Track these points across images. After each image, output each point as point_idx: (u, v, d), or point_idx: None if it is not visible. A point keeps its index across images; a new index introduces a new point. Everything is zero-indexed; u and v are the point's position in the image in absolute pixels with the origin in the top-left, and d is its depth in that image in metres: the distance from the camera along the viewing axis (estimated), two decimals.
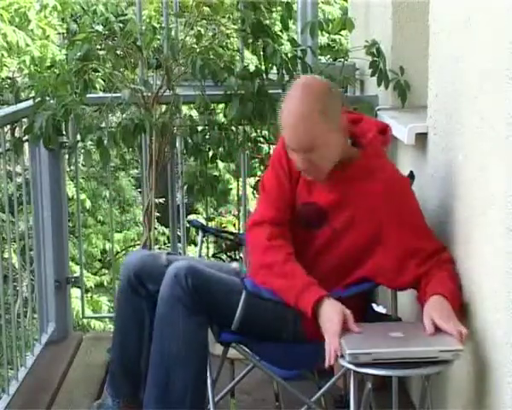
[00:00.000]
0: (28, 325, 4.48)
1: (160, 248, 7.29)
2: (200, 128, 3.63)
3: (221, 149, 3.63)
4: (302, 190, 2.63)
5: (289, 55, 3.57)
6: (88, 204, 8.20)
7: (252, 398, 3.30)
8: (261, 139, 3.67)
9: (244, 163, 3.86)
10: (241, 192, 4.06)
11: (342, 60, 3.66)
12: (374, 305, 2.78)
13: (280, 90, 3.43)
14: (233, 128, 3.63)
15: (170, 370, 2.52)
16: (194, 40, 3.61)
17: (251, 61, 4.55)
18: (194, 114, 4.05)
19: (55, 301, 3.92)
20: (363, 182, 2.55)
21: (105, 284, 8.46)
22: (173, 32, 3.63)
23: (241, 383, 2.96)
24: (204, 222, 3.84)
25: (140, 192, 8.35)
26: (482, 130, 2.27)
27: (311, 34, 3.58)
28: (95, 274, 8.65)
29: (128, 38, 3.47)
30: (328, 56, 3.82)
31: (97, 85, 4.41)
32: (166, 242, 7.98)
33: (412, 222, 2.56)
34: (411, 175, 2.77)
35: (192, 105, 3.88)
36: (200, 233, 3.08)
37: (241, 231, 3.99)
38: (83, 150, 3.85)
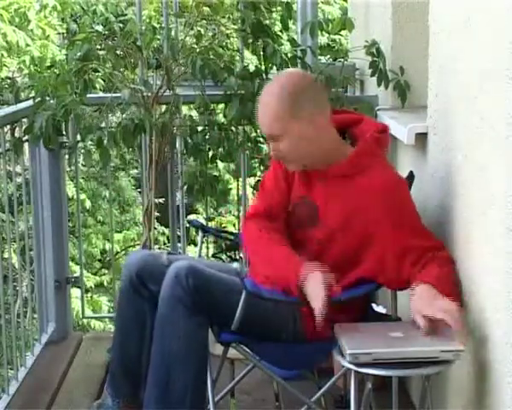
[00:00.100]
0: (28, 325, 4.47)
1: (159, 249, 7.29)
2: (200, 128, 3.63)
3: (221, 149, 3.63)
4: (298, 186, 2.65)
5: (289, 55, 3.57)
6: (88, 204, 8.21)
7: (252, 398, 3.30)
8: (261, 139, 3.67)
9: (244, 163, 3.85)
10: (241, 192, 4.06)
11: (342, 60, 3.66)
12: (374, 305, 2.78)
13: None
14: (233, 128, 3.63)
15: (170, 370, 2.52)
16: (194, 40, 3.61)
17: (251, 61, 4.55)
18: (194, 114, 4.05)
19: (54, 301, 3.92)
20: (355, 180, 2.55)
21: (105, 284, 8.46)
22: (173, 32, 3.63)
23: (241, 383, 2.96)
24: (204, 222, 3.84)
25: (140, 192, 8.36)
26: (482, 130, 2.27)
27: (310, 34, 3.58)
28: (95, 274, 8.65)
29: (128, 38, 3.46)
30: (328, 56, 3.81)
31: (97, 85, 4.42)
32: (166, 242, 7.98)
33: (408, 222, 2.55)
34: (411, 175, 2.77)
35: (192, 105, 3.88)
36: (200, 233, 3.08)
37: (241, 232, 3.99)
38: (83, 150, 3.86)
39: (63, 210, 3.91)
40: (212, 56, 3.50)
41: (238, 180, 4.09)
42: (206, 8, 3.75)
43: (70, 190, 6.42)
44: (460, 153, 2.49)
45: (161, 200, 5.30)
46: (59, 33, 8.39)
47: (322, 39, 8.51)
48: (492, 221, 2.19)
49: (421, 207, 2.82)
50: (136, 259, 2.76)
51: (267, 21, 3.65)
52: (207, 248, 3.98)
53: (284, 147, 2.55)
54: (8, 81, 7.73)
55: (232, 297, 2.49)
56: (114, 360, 2.85)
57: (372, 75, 3.50)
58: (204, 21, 4.06)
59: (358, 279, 2.57)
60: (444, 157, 2.67)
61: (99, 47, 3.65)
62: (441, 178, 2.69)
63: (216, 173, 4.25)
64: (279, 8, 3.70)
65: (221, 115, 3.90)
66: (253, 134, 3.67)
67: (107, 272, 8.72)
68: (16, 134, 3.50)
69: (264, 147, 3.77)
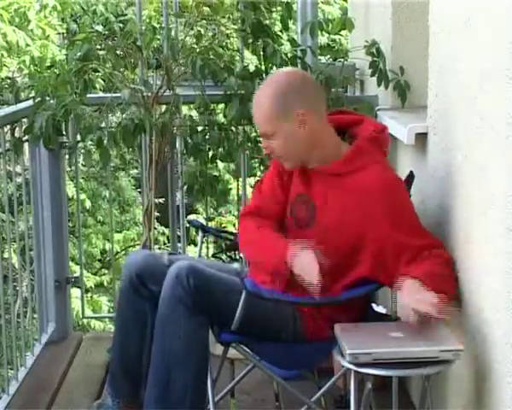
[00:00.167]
0: (28, 325, 4.48)
1: (159, 249, 7.29)
2: (200, 128, 3.63)
3: (221, 149, 3.63)
4: (297, 184, 2.66)
5: (289, 55, 3.57)
6: (88, 204, 8.21)
7: (252, 398, 3.30)
8: (261, 139, 3.66)
9: (244, 163, 3.85)
10: (241, 192, 4.06)
11: (342, 60, 3.66)
12: (374, 305, 2.78)
13: None
14: (233, 128, 3.63)
15: (170, 370, 2.52)
16: (194, 40, 3.61)
17: (251, 61, 4.55)
18: (194, 114, 4.05)
19: (54, 301, 3.92)
20: (351, 179, 2.56)
21: (105, 284, 8.46)
22: (173, 32, 3.63)
23: (241, 383, 2.96)
24: (204, 222, 3.84)
25: (140, 192, 8.36)
26: (482, 130, 2.27)
27: (310, 34, 3.58)
28: (95, 274, 8.65)
29: (128, 38, 3.46)
30: (328, 56, 3.81)
31: (97, 85, 4.42)
32: (166, 242, 7.99)
33: (406, 221, 2.55)
34: (411, 175, 2.77)
35: (192, 105, 3.88)
36: (200, 233, 3.08)
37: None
38: (83, 150, 3.86)
39: (63, 210, 3.91)
40: (212, 56, 3.50)
41: (238, 180, 4.09)
42: (206, 8, 3.75)
43: (70, 190, 6.42)
44: (460, 153, 2.49)
45: (161, 200, 5.30)
46: (59, 33, 8.39)
47: (322, 39, 8.51)
48: (492, 221, 2.19)
49: (421, 207, 2.83)
50: (137, 259, 2.76)
51: (267, 21, 3.65)
52: (207, 248, 3.97)
53: (276, 145, 2.58)
54: (8, 81, 7.73)
55: (232, 297, 2.50)
56: (114, 359, 2.85)
57: (372, 75, 3.50)
58: (204, 21, 4.05)
59: (359, 279, 2.57)
60: (444, 157, 2.67)
61: (99, 47, 3.65)
62: (441, 178, 2.69)
63: (216, 173, 4.25)
64: (279, 8, 3.70)
65: (221, 115, 3.90)
66: (253, 134, 3.67)
67: (107, 272, 8.71)
68: (16, 134, 3.50)
69: None
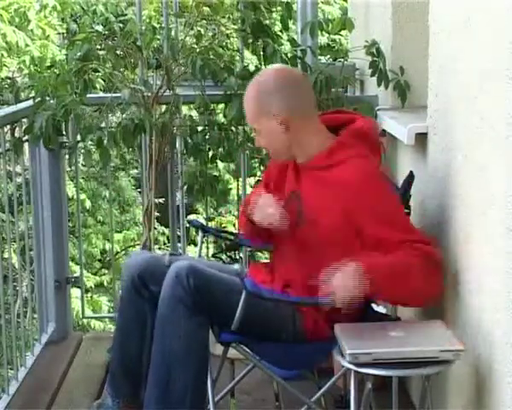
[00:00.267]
0: (28, 325, 4.48)
1: (159, 249, 7.29)
2: (200, 128, 3.64)
3: (221, 149, 3.63)
4: (291, 179, 2.68)
5: (289, 55, 3.58)
6: (88, 204, 8.20)
7: (252, 398, 3.30)
8: None
9: (244, 163, 3.86)
10: (241, 192, 4.06)
11: (342, 60, 3.66)
12: (374, 305, 2.78)
13: None
14: (233, 128, 3.63)
15: (170, 370, 2.52)
16: (194, 40, 3.61)
17: (251, 61, 4.55)
18: (194, 114, 4.05)
19: (54, 301, 3.92)
20: (331, 172, 2.56)
21: (105, 284, 8.46)
22: (173, 32, 3.63)
23: (241, 383, 2.96)
24: (204, 222, 3.84)
25: (140, 192, 8.35)
26: (482, 130, 2.27)
27: (310, 34, 3.58)
28: (95, 274, 8.65)
29: (128, 38, 3.47)
30: (328, 56, 3.81)
31: (97, 85, 4.42)
32: (166, 242, 7.98)
33: (383, 214, 2.50)
34: (411, 175, 2.77)
35: (192, 105, 3.88)
36: (200, 233, 3.08)
37: (241, 232, 3.98)
38: (83, 150, 3.85)
39: (63, 210, 3.91)
40: (212, 56, 3.50)
41: (238, 180, 4.09)
42: (206, 8, 3.75)
43: (70, 190, 6.42)
44: (460, 153, 2.49)
45: (161, 200, 5.30)
46: (59, 33, 8.38)
47: (322, 39, 8.51)
48: (492, 221, 2.19)
49: (421, 207, 2.83)
50: (138, 260, 2.77)
51: (267, 21, 3.65)
52: (207, 248, 3.97)
53: (262, 141, 2.67)
54: (8, 81, 7.73)
55: (232, 297, 2.49)
56: (115, 359, 2.85)
57: (372, 75, 3.50)
58: (204, 21, 4.05)
59: None
60: (444, 157, 2.67)
61: (99, 47, 3.65)
62: (441, 178, 2.69)
63: (216, 173, 4.25)
64: (279, 8, 3.70)
65: (221, 115, 3.90)
66: (253, 134, 3.67)
67: (107, 272, 8.71)
68: (16, 134, 3.50)
69: None
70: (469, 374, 2.40)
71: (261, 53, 3.58)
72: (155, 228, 4.17)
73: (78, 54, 3.43)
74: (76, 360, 3.77)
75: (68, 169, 5.44)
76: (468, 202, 2.43)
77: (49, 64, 5.36)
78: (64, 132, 3.60)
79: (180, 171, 3.81)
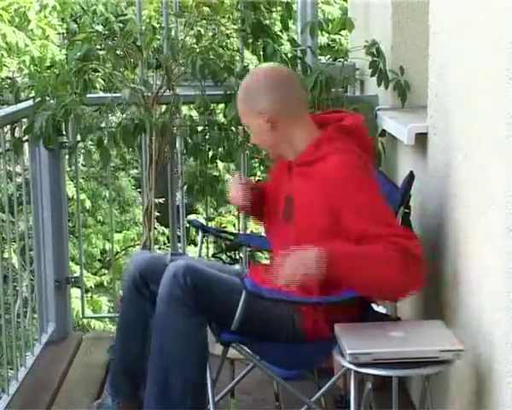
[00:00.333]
0: (28, 325, 4.48)
1: (159, 249, 7.29)
2: (200, 128, 3.63)
3: (221, 149, 3.63)
4: (285, 177, 2.68)
5: (289, 55, 3.58)
6: (88, 204, 8.20)
7: (252, 398, 3.30)
8: None
9: (244, 163, 3.85)
10: None
11: (342, 60, 3.66)
12: (374, 305, 2.78)
13: None
14: (233, 128, 3.63)
15: (170, 370, 2.52)
16: (194, 40, 3.61)
17: (251, 61, 4.56)
18: (194, 114, 4.05)
19: (54, 301, 3.92)
20: (314, 168, 2.56)
21: (105, 284, 8.46)
22: (173, 32, 3.63)
23: (241, 383, 2.96)
24: (204, 222, 3.84)
25: (140, 192, 8.35)
26: (482, 130, 2.27)
27: (310, 34, 3.58)
28: (95, 274, 8.65)
29: (128, 38, 3.47)
30: (328, 56, 3.80)
31: (97, 85, 4.42)
32: (166, 242, 7.98)
33: (365, 208, 2.48)
34: (411, 175, 2.77)
35: (192, 105, 3.88)
36: (200, 233, 3.08)
37: (241, 232, 3.99)
38: (83, 150, 3.85)
39: (63, 210, 3.91)
40: (212, 56, 3.50)
41: None
42: (206, 8, 3.74)
43: (70, 190, 6.42)
44: (460, 153, 2.49)
45: (161, 200, 5.30)
46: (59, 33, 8.39)
47: (322, 39, 8.51)
48: (492, 221, 2.19)
49: (421, 208, 2.83)
50: (140, 260, 2.77)
51: (267, 21, 3.65)
52: (207, 248, 3.97)
53: (252, 137, 2.72)
54: (8, 81, 7.73)
55: (232, 297, 2.49)
56: (115, 359, 2.86)
57: (372, 75, 3.50)
58: (204, 21, 4.05)
59: None
60: (443, 157, 2.67)
61: (99, 47, 3.65)
62: (441, 179, 2.69)
63: (216, 173, 4.24)
64: (279, 8, 3.70)
65: (221, 115, 3.89)
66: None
67: (107, 272, 8.71)
68: (16, 134, 3.50)
69: None
70: (469, 374, 2.40)
71: (261, 53, 3.57)
72: (155, 228, 4.17)
73: (78, 54, 3.43)
74: (76, 360, 3.77)
75: (68, 169, 5.44)
76: (467, 202, 2.43)
77: (49, 64, 5.37)
78: (64, 132, 3.61)
79: (180, 171, 3.81)
